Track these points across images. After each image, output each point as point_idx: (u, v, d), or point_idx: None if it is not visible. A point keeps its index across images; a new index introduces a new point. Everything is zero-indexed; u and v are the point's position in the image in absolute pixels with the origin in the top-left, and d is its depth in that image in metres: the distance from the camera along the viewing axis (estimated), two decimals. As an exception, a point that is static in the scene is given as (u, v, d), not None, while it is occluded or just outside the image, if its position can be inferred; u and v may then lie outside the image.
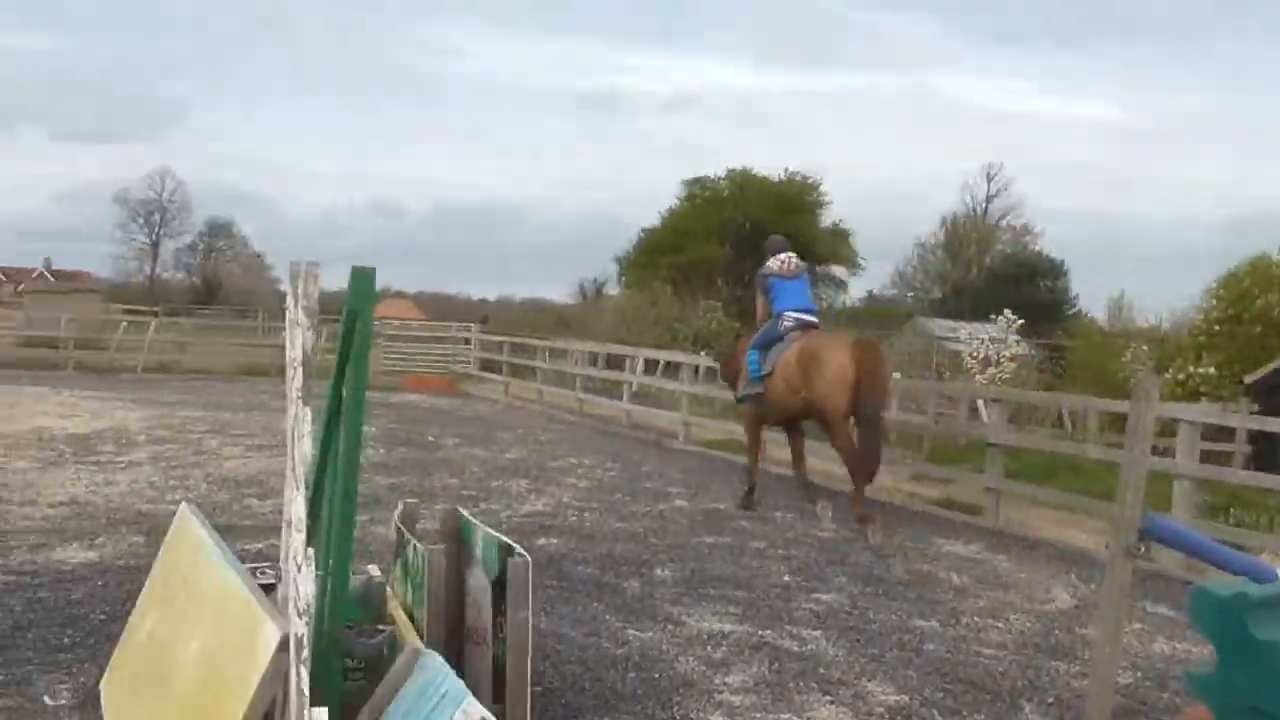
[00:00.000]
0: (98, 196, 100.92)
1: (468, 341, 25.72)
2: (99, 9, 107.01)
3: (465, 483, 10.09)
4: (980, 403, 15.80)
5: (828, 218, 45.63)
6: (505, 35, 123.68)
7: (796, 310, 9.50)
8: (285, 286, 3.27)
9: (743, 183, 44.96)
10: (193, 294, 62.85)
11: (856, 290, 49.87)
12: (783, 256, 9.70)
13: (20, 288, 53.68)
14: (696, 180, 46.62)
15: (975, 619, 6.29)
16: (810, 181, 45.74)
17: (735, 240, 43.18)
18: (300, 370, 2.97)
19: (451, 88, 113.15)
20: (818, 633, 5.83)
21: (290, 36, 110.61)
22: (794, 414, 9.45)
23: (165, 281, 69.13)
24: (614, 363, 20.56)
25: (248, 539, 6.86)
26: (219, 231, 73.24)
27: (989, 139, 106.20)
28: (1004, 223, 57.96)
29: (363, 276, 3.23)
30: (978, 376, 21.35)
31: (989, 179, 58.07)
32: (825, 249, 44.34)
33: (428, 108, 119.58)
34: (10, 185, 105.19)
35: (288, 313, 3.08)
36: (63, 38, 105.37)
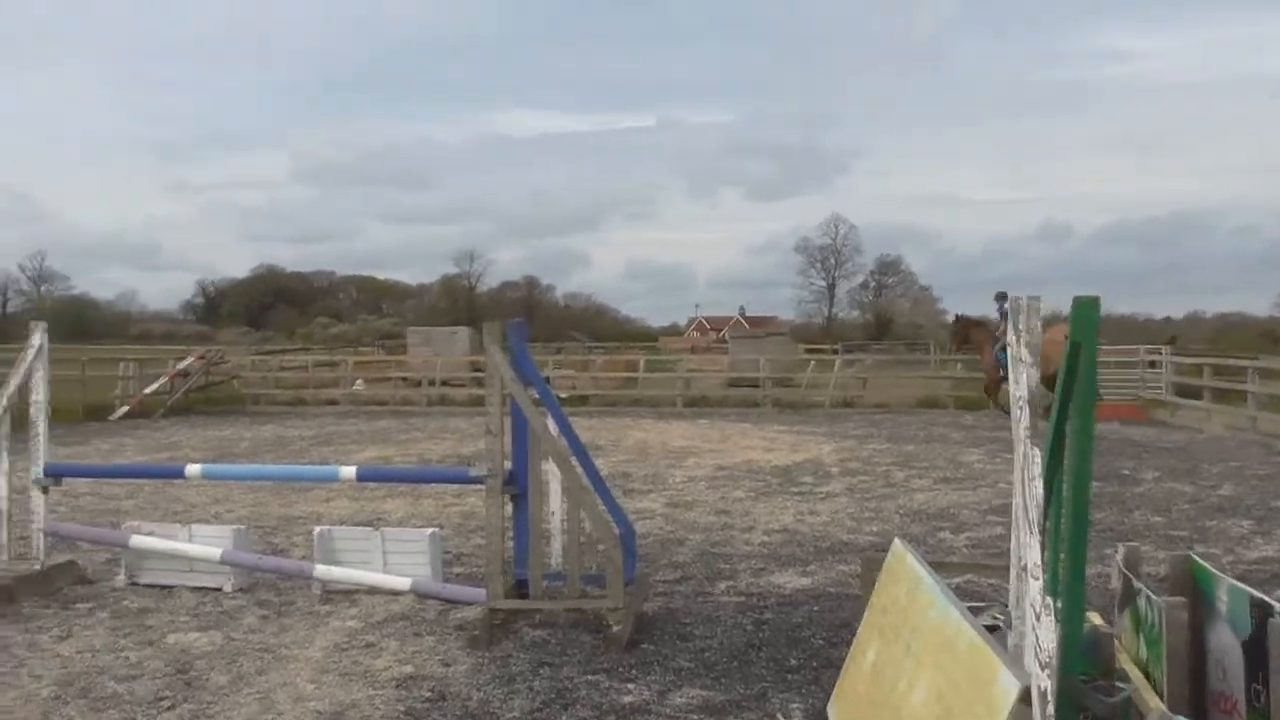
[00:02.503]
0: (780, 247, 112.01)
1: (1154, 364, 23.59)
2: (770, 80, 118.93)
3: (1172, 521, 9.16)
4: None
5: None
6: (1170, 28, 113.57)
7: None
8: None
9: None
10: (865, 330, 66.25)
11: None
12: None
13: (722, 333, 61.05)
14: None
15: None
16: None
17: None
18: (1027, 408, 2.85)
19: (1116, 94, 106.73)
20: None
21: (938, 69, 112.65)
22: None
23: (841, 320, 73.92)
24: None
25: (946, 574, 6.86)
26: (888, 269, 77.11)
27: None
28: None
29: (1085, 306, 3.03)
30: None
31: None
32: None
33: (1090, 120, 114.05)
34: (713, 244, 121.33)
35: (1009, 349, 2.98)
36: (744, 109, 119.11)
